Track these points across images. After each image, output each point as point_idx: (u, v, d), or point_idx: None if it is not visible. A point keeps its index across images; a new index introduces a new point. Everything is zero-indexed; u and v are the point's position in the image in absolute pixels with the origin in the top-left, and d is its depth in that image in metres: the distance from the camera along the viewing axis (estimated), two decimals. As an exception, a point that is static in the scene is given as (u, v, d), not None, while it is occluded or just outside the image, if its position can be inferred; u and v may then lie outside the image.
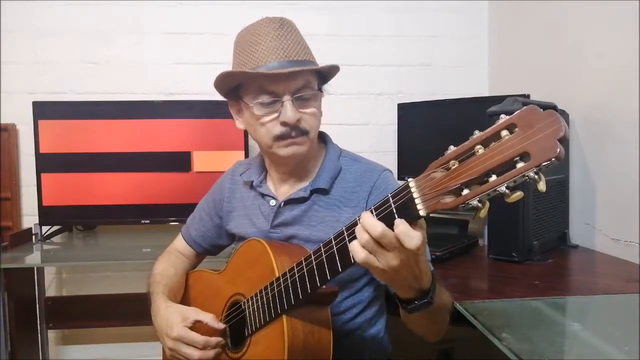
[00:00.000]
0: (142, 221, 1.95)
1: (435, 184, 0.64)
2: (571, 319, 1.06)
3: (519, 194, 0.59)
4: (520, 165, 0.57)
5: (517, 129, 0.59)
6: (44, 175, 1.91)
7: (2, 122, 2.01)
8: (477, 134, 0.62)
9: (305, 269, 0.85)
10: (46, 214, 1.92)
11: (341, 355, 0.95)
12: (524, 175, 0.57)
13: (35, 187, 1.91)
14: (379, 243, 0.69)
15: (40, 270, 2.04)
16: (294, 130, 0.99)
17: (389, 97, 2.18)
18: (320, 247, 0.82)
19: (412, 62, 2.19)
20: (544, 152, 0.56)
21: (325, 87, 1.07)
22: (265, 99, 0.98)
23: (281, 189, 1.11)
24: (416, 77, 2.19)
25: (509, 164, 0.58)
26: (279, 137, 1.00)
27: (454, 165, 0.63)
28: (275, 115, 0.99)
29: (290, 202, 1.08)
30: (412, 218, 0.67)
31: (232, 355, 1.01)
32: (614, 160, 1.46)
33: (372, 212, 0.71)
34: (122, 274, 2.13)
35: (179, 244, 1.29)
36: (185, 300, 1.19)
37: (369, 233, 0.69)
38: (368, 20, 2.16)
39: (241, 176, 1.19)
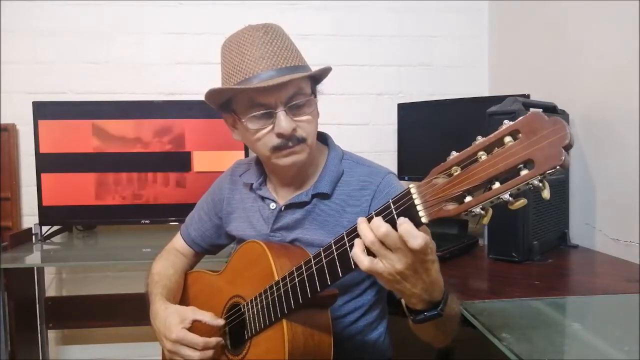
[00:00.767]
0: (142, 221, 1.95)
1: (437, 191, 0.63)
2: (571, 319, 1.06)
3: (522, 201, 0.58)
4: (524, 172, 0.56)
5: (520, 135, 0.58)
6: (44, 175, 1.91)
7: (2, 122, 2.02)
8: (479, 139, 0.61)
9: (305, 273, 0.84)
10: (46, 214, 1.92)
11: (342, 358, 0.95)
12: (527, 183, 0.56)
13: (35, 187, 1.92)
14: (383, 245, 0.68)
15: (40, 270, 2.04)
16: (291, 140, 0.97)
17: (389, 97, 2.18)
18: (320, 252, 0.81)
19: (412, 62, 2.19)
20: (548, 160, 0.55)
21: (321, 87, 1.05)
22: (257, 112, 0.96)
23: (281, 192, 1.10)
24: (416, 77, 2.19)
25: (513, 171, 0.57)
26: (277, 148, 0.98)
27: (456, 171, 0.62)
28: (270, 127, 0.96)
29: (291, 206, 1.07)
30: (414, 225, 0.66)
31: (232, 357, 1.01)
32: (614, 160, 1.46)
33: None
34: (122, 274, 2.13)
35: (178, 243, 1.28)
36: (184, 301, 1.19)
37: (373, 232, 0.68)
38: (368, 20, 2.16)
39: (241, 177, 1.18)
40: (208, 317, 0.99)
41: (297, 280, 0.85)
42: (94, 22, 2.06)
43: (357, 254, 0.71)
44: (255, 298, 0.94)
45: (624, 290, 1.15)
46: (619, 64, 1.43)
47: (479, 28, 2.21)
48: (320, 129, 1.09)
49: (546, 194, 0.57)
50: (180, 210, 1.89)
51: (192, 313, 1.01)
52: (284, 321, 0.88)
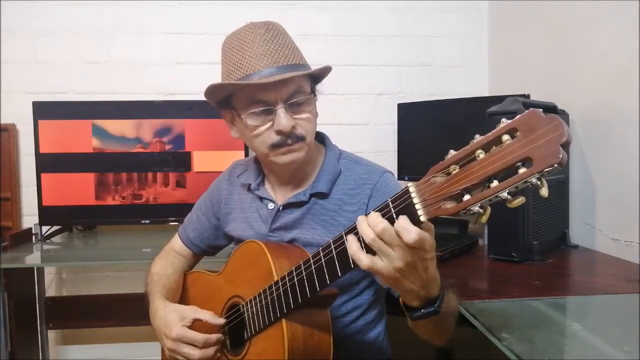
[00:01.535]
0: (142, 221, 1.95)
1: (435, 189, 0.63)
2: (571, 319, 1.06)
3: (520, 200, 0.59)
4: (522, 170, 0.57)
5: (518, 133, 0.58)
6: (44, 175, 1.92)
7: (2, 122, 2.02)
8: (477, 138, 0.61)
9: (304, 273, 0.84)
10: (46, 214, 1.92)
11: (342, 358, 0.95)
12: (526, 181, 0.56)
13: (35, 187, 1.92)
14: (382, 241, 0.68)
15: (40, 270, 2.04)
16: (290, 138, 0.97)
17: (389, 97, 2.18)
18: (319, 252, 0.81)
19: (412, 62, 2.19)
20: (546, 158, 0.55)
21: (321, 87, 1.05)
22: (257, 108, 0.96)
23: (280, 192, 1.10)
24: (416, 77, 2.19)
25: (511, 170, 0.57)
26: (275, 146, 0.98)
27: (454, 170, 0.62)
28: (269, 124, 0.96)
29: (289, 205, 1.07)
30: (412, 223, 0.66)
31: (231, 357, 1.01)
32: (614, 160, 1.46)
33: None
34: (122, 274, 2.13)
35: (176, 244, 1.28)
36: (183, 301, 1.18)
37: (372, 229, 0.68)
38: (368, 20, 2.16)
39: (239, 177, 1.18)
40: (208, 316, 0.99)
41: (296, 279, 0.85)
42: (94, 22, 2.06)
43: (356, 252, 0.71)
44: (255, 298, 0.94)
45: (624, 290, 1.15)
46: (619, 64, 1.43)
47: (479, 28, 2.21)
48: (320, 129, 1.09)
49: (544, 191, 0.57)
50: (180, 210, 1.89)
51: (193, 312, 1.01)
52: (284, 321, 0.88)
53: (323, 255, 0.80)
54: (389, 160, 2.05)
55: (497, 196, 0.58)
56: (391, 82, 2.19)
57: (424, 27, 2.19)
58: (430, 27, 2.19)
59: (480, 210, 0.60)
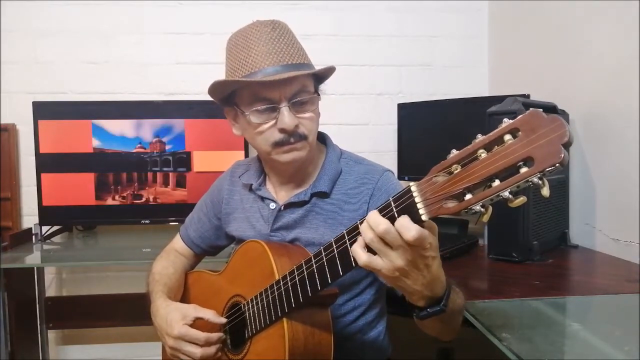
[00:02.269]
0: (142, 221, 1.95)
1: (437, 189, 0.63)
2: (571, 319, 1.06)
3: (522, 199, 0.59)
4: (523, 170, 0.57)
5: (520, 133, 0.58)
6: (44, 175, 1.91)
7: (2, 122, 2.02)
8: (479, 137, 0.61)
9: (305, 272, 0.84)
10: (46, 214, 1.92)
11: (342, 357, 0.95)
12: (527, 181, 0.57)
13: (35, 187, 1.91)
14: (383, 241, 0.68)
15: (40, 270, 2.04)
16: (293, 136, 0.97)
17: (389, 97, 2.18)
18: (321, 251, 0.81)
19: (412, 62, 2.19)
20: (548, 157, 0.55)
21: (322, 87, 1.05)
22: (261, 106, 0.96)
23: (281, 192, 1.11)
24: (416, 77, 2.19)
25: (513, 169, 0.58)
26: (278, 144, 0.98)
27: (456, 169, 0.62)
28: (273, 122, 0.97)
29: (290, 205, 1.07)
30: (414, 222, 0.66)
31: (232, 356, 1.01)
32: (614, 160, 1.46)
33: None
34: (122, 274, 2.13)
35: (178, 244, 1.28)
36: (184, 301, 1.18)
37: (373, 230, 0.68)
38: (368, 20, 2.16)
39: (240, 178, 1.18)
40: (210, 315, 1.00)
41: (297, 279, 0.86)
42: (94, 22, 2.06)
43: (356, 249, 0.71)
44: (256, 297, 0.95)
45: (624, 290, 1.15)
46: (618, 64, 1.43)
47: (479, 28, 2.21)
48: (320, 129, 1.09)
49: (546, 191, 0.57)
50: (180, 210, 1.90)
51: (194, 310, 1.01)
52: (285, 320, 0.88)
53: (325, 254, 0.80)
54: (389, 160, 2.05)
55: (498, 195, 0.59)
56: (391, 82, 2.19)
57: (424, 27, 2.19)
58: (430, 27, 2.19)
59: (482, 210, 0.60)
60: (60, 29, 2.05)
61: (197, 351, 0.97)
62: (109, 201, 1.94)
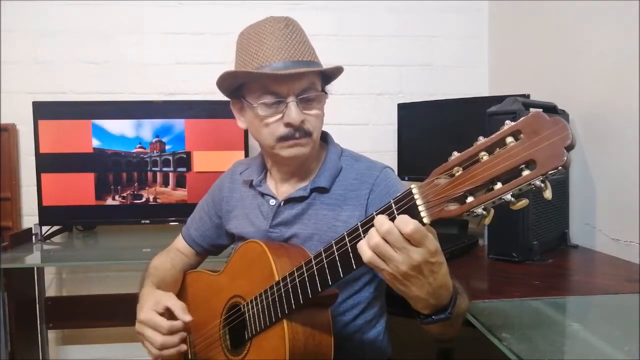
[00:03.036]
0: (142, 221, 1.95)
1: (439, 191, 0.63)
2: (571, 319, 1.06)
3: (524, 202, 0.58)
4: (526, 173, 0.57)
5: (522, 135, 0.58)
6: (44, 175, 1.91)
7: (2, 122, 2.02)
8: (481, 140, 0.61)
9: (305, 273, 0.84)
10: (46, 214, 1.92)
11: (341, 358, 0.94)
12: (529, 184, 0.56)
13: (35, 187, 1.91)
14: (387, 244, 0.68)
15: (40, 270, 2.04)
16: (298, 132, 0.98)
17: (389, 97, 2.18)
18: (321, 252, 0.81)
19: (412, 62, 2.19)
20: (550, 160, 0.55)
21: (327, 87, 1.06)
22: (269, 99, 0.97)
23: (281, 189, 1.11)
24: (416, 77, 2.19)
25: (515, 172, 0.57)
26: (283, 138, 0.99)
27: (457, 172, 0.62)
28: (279, 116, 0.98)
29: (290, 201, 1.07)
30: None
31: (232, 357, 1.01)
32: (614, 160, 1.46)
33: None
34: (122, 274, 2.13)
35: (179, 243, 1.28)
36: (183, 300, 1.18)
37: (378, 232, 0.68)
38: (368, 20, 2.16)
39: (241, 175, 1.19)
40: (178, 307, 0.98)
41: (297, 280, 0.85)
42: (94, 22, 2.06)
43: (362, 245, 0.71)
44: (256, 298, 0.94)
45: (624, 290, 1.15)
46: (619, 64, 1.43)
47: (479, 28, 2.21)
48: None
49: (548, 194, 0.57)
50: (180, 210, 1.90)
51: (166, 299, 1.01)
52: (285, 321, 0.88)
53: (325, 255, 0.80)
54: (389, 161, 2.02)
55: (500, 198, 0.58)
56: (391, 82, 2.19)
57: (424, 27, 2.19)
58: (430, 27, 2.19)
59: (484, 213, 0.60)
60: (60, 29, 2.05)
61: (159, 338, 0.95)
62: (109, 201, 1.94)
